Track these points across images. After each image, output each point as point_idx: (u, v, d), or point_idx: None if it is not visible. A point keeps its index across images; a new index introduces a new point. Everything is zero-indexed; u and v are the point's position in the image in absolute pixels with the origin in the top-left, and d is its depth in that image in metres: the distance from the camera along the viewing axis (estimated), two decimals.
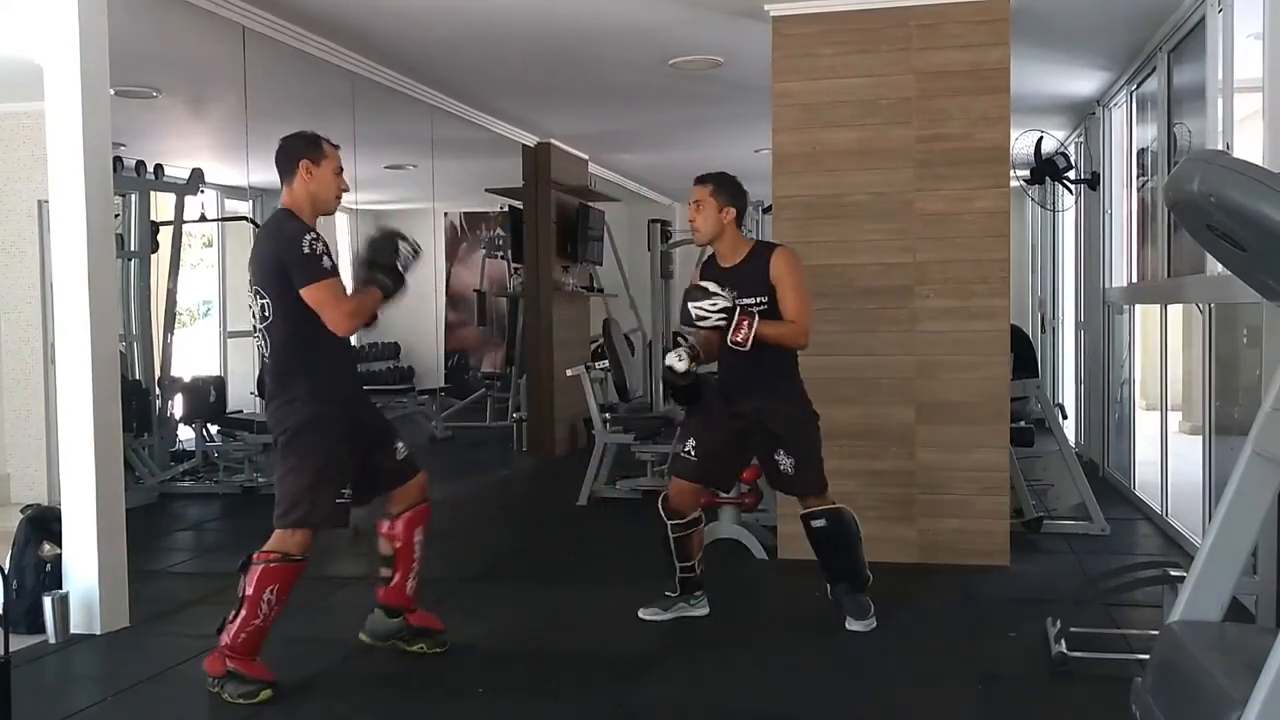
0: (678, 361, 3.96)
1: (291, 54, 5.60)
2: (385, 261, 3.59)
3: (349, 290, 3.55)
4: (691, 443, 4.13)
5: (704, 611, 4.30)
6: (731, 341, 3.85)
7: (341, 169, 3.63)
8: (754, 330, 3.84)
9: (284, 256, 3.39)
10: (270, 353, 3.49)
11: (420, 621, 3.88)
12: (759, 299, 3.96)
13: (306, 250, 3.37)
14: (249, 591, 3.43)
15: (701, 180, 4.08)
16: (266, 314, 3.43)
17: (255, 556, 3.44)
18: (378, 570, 3.87)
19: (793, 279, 3.97)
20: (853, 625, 4.10)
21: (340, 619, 4.27)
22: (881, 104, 5.13)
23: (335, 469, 3.50)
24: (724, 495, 5.30)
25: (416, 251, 3.69)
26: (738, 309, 3.86)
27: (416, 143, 8.27)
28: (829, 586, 4.23)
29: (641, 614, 4.25)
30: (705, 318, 3.87)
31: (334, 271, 3.43)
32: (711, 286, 3.89)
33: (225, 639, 3.47)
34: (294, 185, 3.53)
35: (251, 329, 3.55)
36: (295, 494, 3.46)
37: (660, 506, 4.20)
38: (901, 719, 3.39)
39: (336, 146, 3.64)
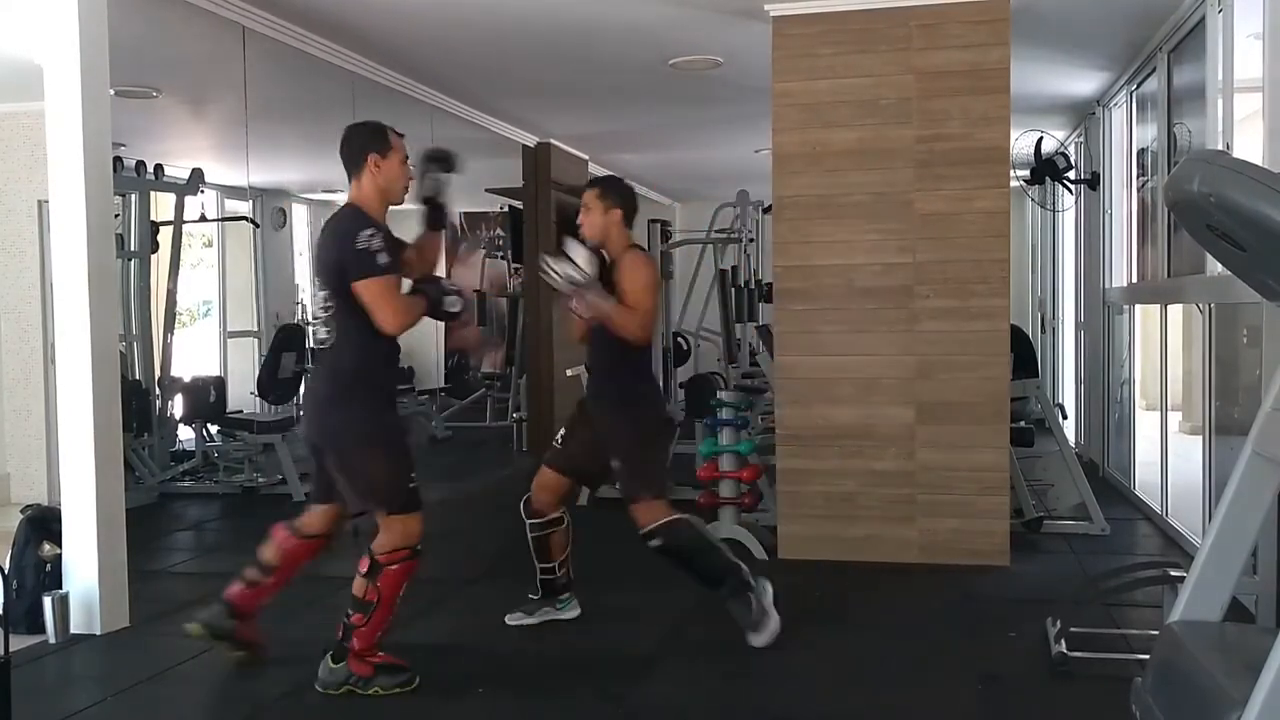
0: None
1: (291, 54, 5.60)
2: (434, 283, 3.68)
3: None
4: (562, 431, 4.21)
5: (574, 614, 4.26)
6: (569, 308, 3.94)
7: (407, 157, 3.67)
8: (590, 305, 3.88)
9: (342, 252, 3.42)
10: (332, 344, 3.49)
11: (249, 635, 3.75)
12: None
13: (361, 246, 3.39)
14: (384, 593, 3.44)
15: (590, 184, 4.19)
16: (329, 305, 3.47)
17: (381, 558, 3.44)
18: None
19: (633, 273, 3.99)
20: (752, 640, 3.89)
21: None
22: (881, 104, 5.13)
23: (410, 454, 3.61)
24: (723, 495, 5.31)
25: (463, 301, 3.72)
26: (584, 281, 3.86)
27: (416, 142, 8.24)
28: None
29: (508, 620, 4.21)
30: (554, 281, 3.89)
31: (390, 269, 3.42)
32: (579, 256, 3.89)
33: (358, 643, 3.46)
34: (362, 179, 3.56)
35: (312, 317, 3.62)
36: (391, 482, 3.49)
37: (522, 507, 4.19)
38: (901, 719, 3.39)
39: (402, 135, 3.65)
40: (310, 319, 3.55)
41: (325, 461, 3.55)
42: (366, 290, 3.39)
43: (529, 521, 4.17)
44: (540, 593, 4.26)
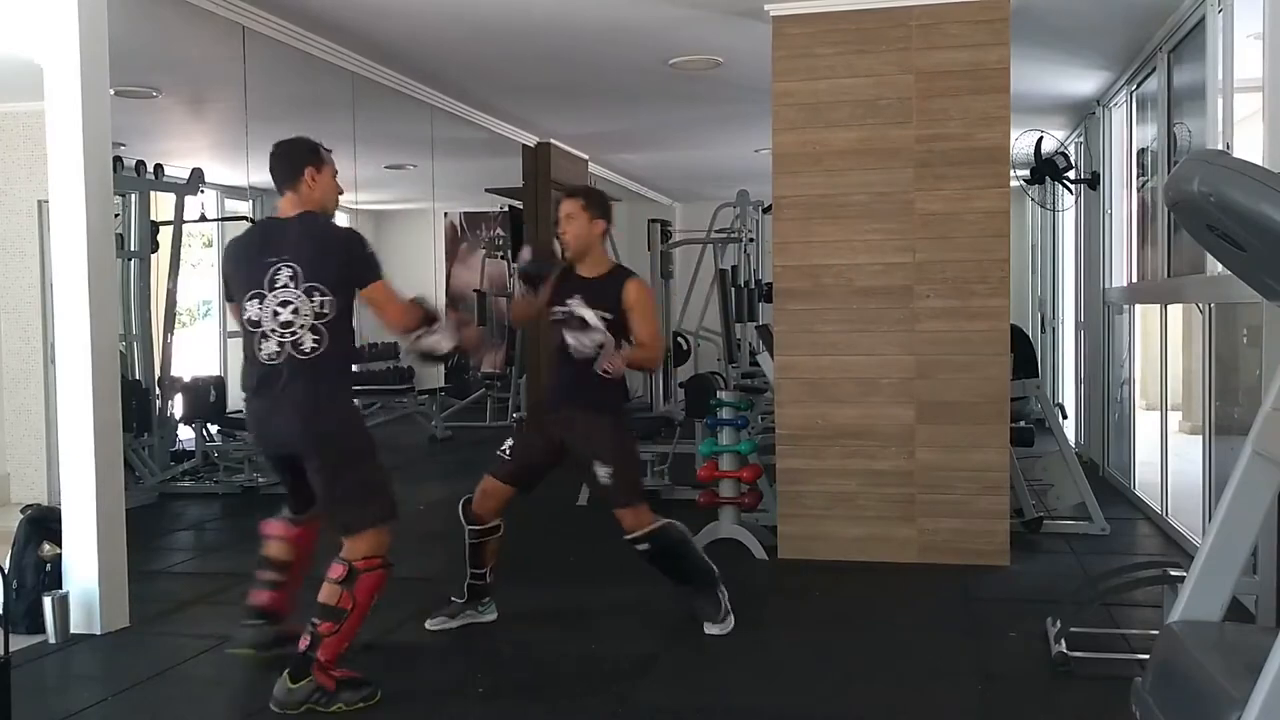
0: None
1: (291, 54, 5.60)
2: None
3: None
4: (509, 443, 4.21)
5: (492, 617, 4.27)
6: (602, 371, 3.93)
7: (337, 170, 3.69)
8: (622, 363, 3.93)
9: (351, 255, 3.46)
10: (322, 350, 3.41)
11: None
12: (605, 313, 4.00)
13: (370, 250, 3.51)
14: (360, 601, 3.41)
15: (572, 194, 4.16)
16: (325, 310, 3.41)
17: (360, 564, 3.40)
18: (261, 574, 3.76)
19: (645, 308, 4.07)
20: (709, 629, 4.06)
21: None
22: (881, 104, 5.13)
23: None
24: (723, 495, 5.31)
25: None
26: (609, 343, 3.92)
27: (416, 143, 8.28)
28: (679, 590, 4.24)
29: (429, 625, 4.21)
30: (583, 349, 3.94)
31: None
32: (590, 319, 3.94)
33: (324, 654, 3.39)
34: (300, 191, 3.54)
35: (281, 327, 3.41)
36: (384, 491, 3.53)
37: (461, 510, 4.19)
38: (901, 719, 3.39)
39: (330, 150, 3.68)
40: (277, 327, 3.40)
41: (306, 468, 3.47)
42: (378, 292, 3.47)
43: (469, 527, 4.17)
44: (465, 596, 4.25)
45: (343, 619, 3.39)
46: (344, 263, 3.46)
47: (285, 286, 3.41)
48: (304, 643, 3.41)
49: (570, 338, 3.97)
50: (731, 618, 4.11)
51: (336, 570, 3.41)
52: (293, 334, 3.41)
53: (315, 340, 3.41)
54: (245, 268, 3.50)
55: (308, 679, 3.36)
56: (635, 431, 4.28)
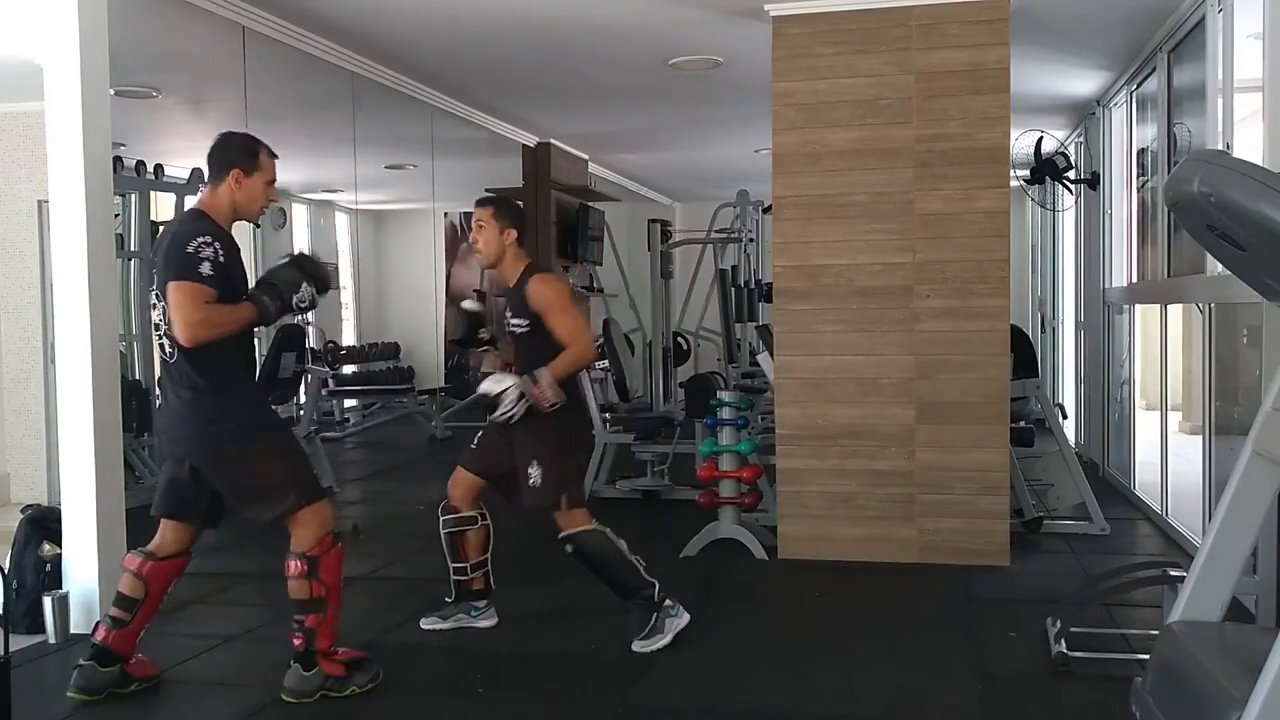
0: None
1: (291, 54, 5.60)
2: (282, 286, 3.45)
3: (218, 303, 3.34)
4: (479, 435, 4.22)
5: (490, 623, 4.21)
6: (545, 407, 3.88)
7: (273, 180, 3.54)
8: (550, 388, 3.87)
9: (168, 254, 3.31)
10: (179, 357, 3.34)
11: (141, 671, 3.61)
12: (522, 321, 4.00)
13: (189, 250, 3.26)
14: (330, 583, 3.43)
15: (482, 203, 4.11)
16: (162, 319, 3.35)
17: (314, 552, 3.41)
18: (110, 610, 3.56)
19: (555, 303, 3.97)
20: (635, 645, 3.91)
21: (339, 619, 4.26)
22: (881, 104, 5.13)
23: (298, 442, 3.64)
24: (723, 495, 5.31)
25: (320, 291, 3.55)
26: (525, 387, 3.87)
27: (416, 143, 8.27)
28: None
29: (422, 624, 4.20)
30: (510, 411, 3.89)
31: (207, 280, 3.25)
32: (496, 384, 3.91)
33: (323, 642, 3.43)
34: (219, 189, 3.44)
35: (156, 329, 3.44)
36: (300, 472, 3.50)
37: (440, 508, 4.20)
38: (901, 719, 3.39)
39: (274, 156, 3.55)
40: (156, 328, 3.40)
41: (196, 477, 3.41)
42: (172, 292, 3.24)
43: (443, 517, 4.17)
44: (453, 595, 4.24)
45: (323, 606, 3.42)
46: (163, 262, 3.33)
47: (155, 289, 3.40)
48: (299, 641, 3.43)
49: (498, 411, 3.90)
50: (664, 639, 3.93)
51: (295, 567, 3.41)
52: (159, 337, 3.40)
53: (171, 344, 3.36)
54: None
55: (316, 669, 3.42)
56: (579, 435, 4.22)
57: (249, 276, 3.51)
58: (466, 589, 4.23)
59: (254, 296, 3.41)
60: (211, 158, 3.48)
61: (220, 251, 3.30)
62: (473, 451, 4.21)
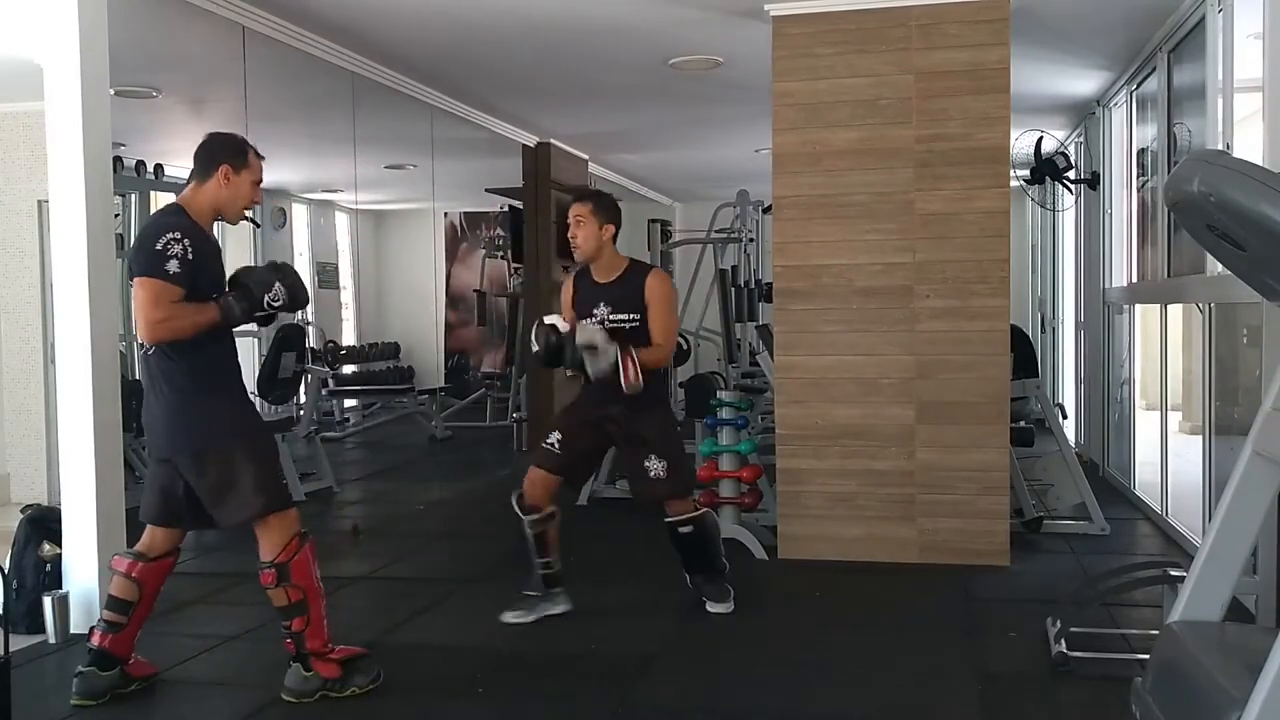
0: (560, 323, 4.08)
1: (291, 54, 5.60)
2: (253, 286, 3.40)
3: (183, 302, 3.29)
4: (556, 435, 4.21)
5: (565, 608, 4.29)
6: (626, 387, 3.95)
7: (260, 181, 3.53)
8: (638, 371, 3.94)
9: (137, 247, 3.30)
10: (154, 351, 3.31)
11: (141, 671, 3.60)
12: (632, 316, 4.09)
13: (158, 246, 3.21)
14: (306, 584, 3.40)
15: (581, 198, 4.18)
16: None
17: (282, 559, 3.37)
18: (103, 616, 3.53)
19: (664, 303, 4.12)
20: (713, 608, 4.32)
21: (339, 619, 4.26)
22: (881, 104, 5.13)
23: (275, 446, 3.60)
24: (723, 495, 5.31)
25: (294, 300, 3.49)
26: (620, 355, 3.95)
27: (416, 143, 8.27)
28: (688, 577, 4.45)
29: (506, 618, 4.22)
30: (604, 372, 3.96)
31: (173, 278, 3.21)
32: (598, 341, 3.96)
33: (314, 643, 3.43)
34: (203, 186, 3.40)
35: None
36: (275, 478, 3.46)
37: (515, 503, 4.21)
38: (901, 719, 3.39)
39: (262, 158, 3.55)
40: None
41: (179, 477, 3.38)
42: (136, 289, 3.22)
43: (526, 518, 4.18)
44: (541, 589, 4.28)
45: (304, 609, 3.41)
46: (132, 257, 3.30)
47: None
48: (288, 647, 3.44)
49: (589, 366, 3.98)
50: (732, 602, 4.34)
51: (267, 577, 3.39)
52: (136, 330, 3.35)
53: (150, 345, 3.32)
54: None
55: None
56: (679, 424, 4.42)
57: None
58: (552, 581, 4.28)
59: (220, 298, 3.35)
60: (199, 155, 3.45)
61: (189, 248, 3.25)
62: (550, 454, 4.20)
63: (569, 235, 4.16)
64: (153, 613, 3.61)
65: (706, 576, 4.39)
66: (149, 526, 3.52)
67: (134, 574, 3.48)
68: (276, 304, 3.43)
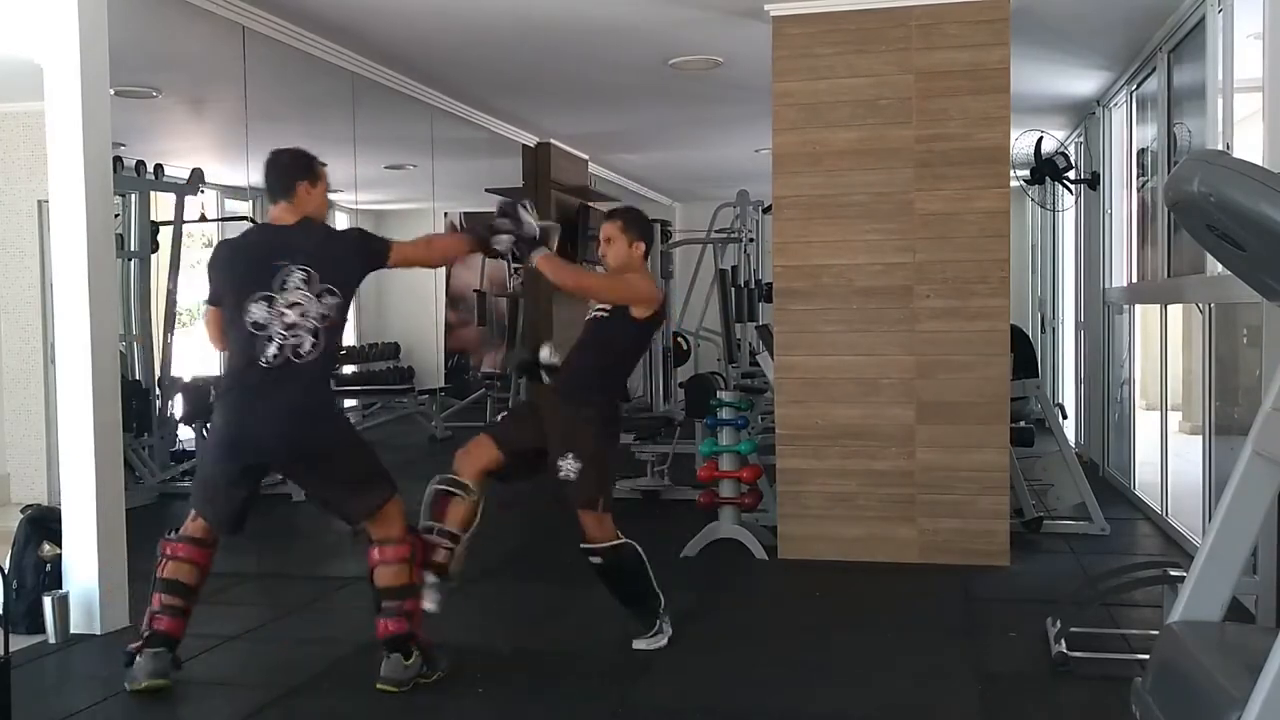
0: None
1: (291, 54, 5.60)
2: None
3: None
4: (504, 415, 4.28)
5: (432, 608, 3.68)
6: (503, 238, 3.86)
7: (329, 187, 3.76)
8: (548, 249, 3.86)
9: (364, 242, 3.61)
10: (318, 353, 3.45)
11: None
12: (606, 310, 3.96)
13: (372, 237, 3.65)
14: (418, 570, 3.57)
15: (612, 216, 4.11)
16: (328, 313, 3.46)
17: (413, 538, 3.56)
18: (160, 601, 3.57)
19: (618, 276, 3.96)
20: (637, 644, 3.90)
21: (340, 619, 4.27)
22: (881, 104, 5.13)
23: None
24: (723, 495, 5.30)
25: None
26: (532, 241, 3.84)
27: (416, 143, 8.27)
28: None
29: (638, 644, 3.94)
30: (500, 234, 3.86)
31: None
32: (526, 216, 3.85)
33: (419, 629, 3.56)
34: (294, 202, 3.57)
35: (265, 327, 3.41)
36: (378, 473, 3.61)
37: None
38: (901, 719, 3.39)
39: (324, 165, 3.70)
40: (283, 329, 3.41)
41: (291, 476, 3.55)
42: (404, 249, 3.72)
43: (437, 477, 3.87)
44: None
45: (418, 591, 3.56)
46: (358, 251, 3.57)
47: (299, 289, 3.43)
48: (396, 627, 3.48)
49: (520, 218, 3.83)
50: (664, 637, 3.93)
51: (393, 552, 3.51)
52: (295, 336, 3.42)
53: (314, 343, 3.44)
54: (249, 270, 3.48)
55: (415, 656, 3.50)
56: (616, 448, 4.08)
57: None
58: (428, 557, 3.76)
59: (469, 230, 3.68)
60: (277, 175, 3.60)
61: None
62: (494, 425, 4.20)
63: (599, 254, 4.09)
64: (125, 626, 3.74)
65: (635, 611, 3.99)
66: (198, 518, 3.60)
67: (196, 559, 3.59)
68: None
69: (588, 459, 3.80)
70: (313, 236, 3.55)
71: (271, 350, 3.42)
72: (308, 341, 3.43)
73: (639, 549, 3.91)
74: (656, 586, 3.96)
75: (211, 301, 3.61)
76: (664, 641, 3.94)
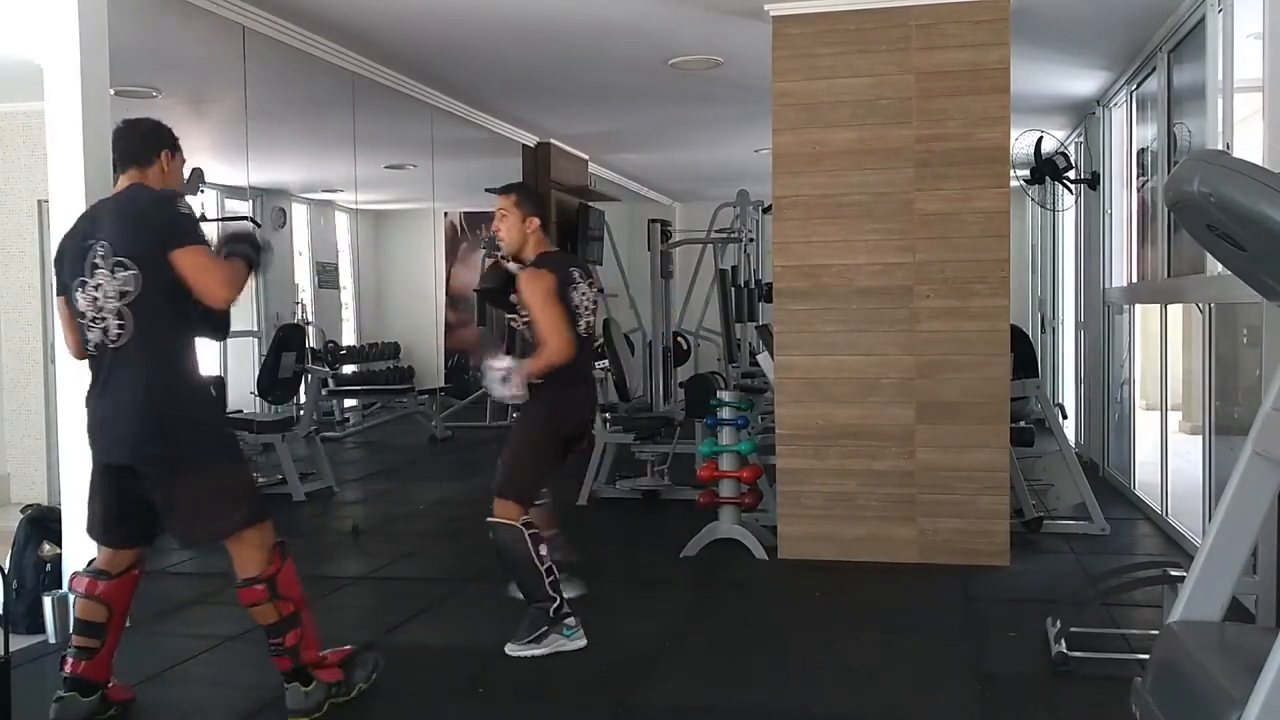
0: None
1: (291, 54, 5.60)
2: (244, 238, 3.29)
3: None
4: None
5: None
6: (497, 396, 3.90)
7: (185, 162, 3.46)
8: (517, 384, 3.80)
9: (159, 216, 3.06)
10: (128, 337, 3.03)
11: (119, 696, 3.37)
12: (524, 313, 3.93)
13: (185, 211, 3.07)
14: (293, 595, 3.22)
15: (504, 191, 4.07)
16: (128, 288, 3.00)
17: (269, 572, 3.18)
18: (71, 641, 3.28)
19: (534, 301, 3.86)
20: (508, 647, 3.84)
21: (339, 619, 4.27)
22: (881, 104, 5.13)
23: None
24: (723, 495, 5.30)
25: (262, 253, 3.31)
26: (511, 373, 3.81)
27: (416, 143, 8.28)
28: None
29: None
30: (499, 394, 3.86)
31: (206, 242, 3.07)
32: (497, 361, 3.85)
33: (309, 654, 3.27)
34: (148, 171, 3.24)
35: (85, 314, 3.07)
36: (238, 496, 3.21)
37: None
38: (901, 719, 3.39)
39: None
40: (90, 311, 3.05)
41: (131, 489, 3.12)
42: (187, 258, 3.00)
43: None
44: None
45: (297, 621, 3.23)
46: (150, 227, 3.03)
47: (98, 267, 3.03)
48: (286, 663, 3.25)
49: (499, 377, 3.84)
50: (538, 649, 3.82)
51: (254, 593, 3.17)
52: (102, 320, 3.04)
53: (120, 326, 3.03)
54: (70, 254, 3.14)
55: (315, 682, 3.27)
56: (552, 442, 3.98)
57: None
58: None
59: (233, 252, 3.19)
60: (129, 142, 3.28)
61: None
62: None
63: (493, 228, 4.07)
64: (129, 625, 3.43)
65: (527, 605, 3.89)
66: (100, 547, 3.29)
67: (99, 594, 3.24)
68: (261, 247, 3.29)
69: (513, 452, 3.94)
70: (123, 200, 3.16)
71: (93, 339, 3.08)
72: (113, 324, 3.03)
73: (529, 543, 3.79)
74: (555, 592, 3.85)
75: (59, 291, 3.25)
76: (539, 652, 3.80)
